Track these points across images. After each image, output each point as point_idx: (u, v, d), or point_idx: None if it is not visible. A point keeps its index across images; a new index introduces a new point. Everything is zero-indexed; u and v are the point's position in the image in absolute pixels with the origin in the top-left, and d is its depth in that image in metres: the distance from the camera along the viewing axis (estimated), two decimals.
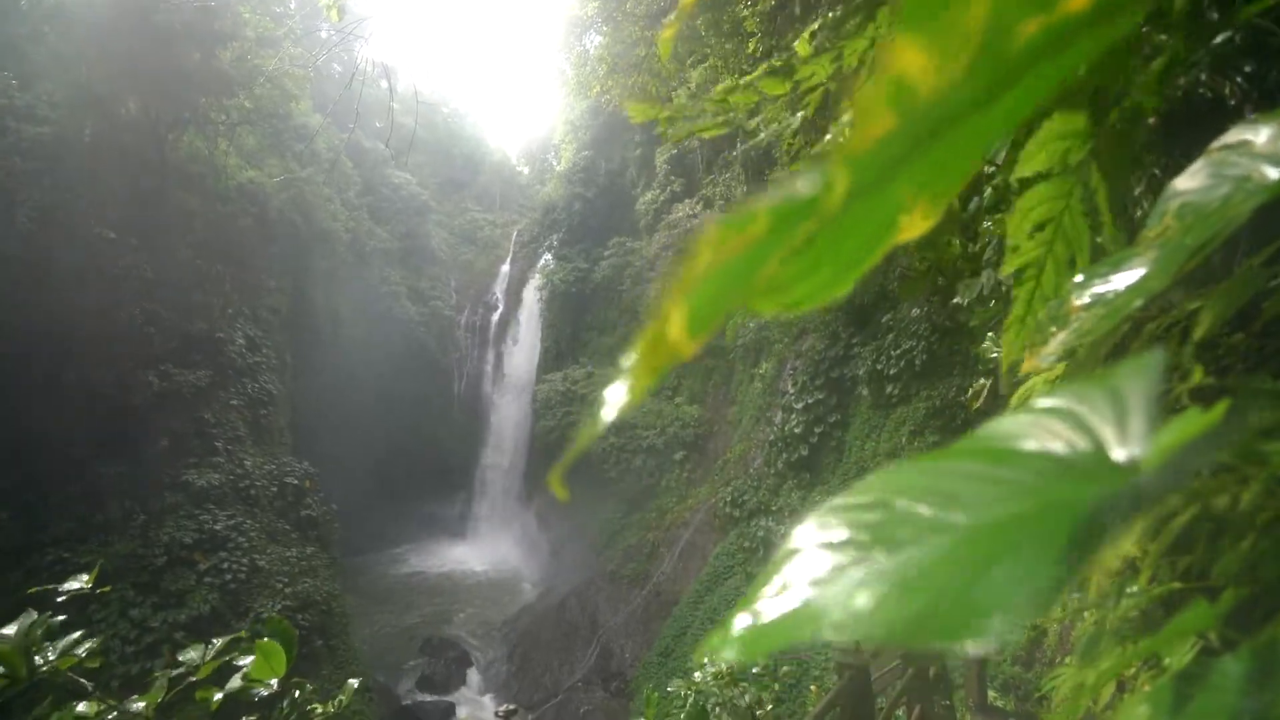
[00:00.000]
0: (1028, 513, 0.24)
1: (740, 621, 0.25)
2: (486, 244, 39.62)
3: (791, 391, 16.79)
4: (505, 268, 37.11)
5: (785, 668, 4.35)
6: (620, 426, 23.86)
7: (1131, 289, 0.43)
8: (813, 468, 15.92)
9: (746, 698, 3.93)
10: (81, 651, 1.63)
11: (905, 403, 13.17)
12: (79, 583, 1.89)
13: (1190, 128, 0.91)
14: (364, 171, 33.70)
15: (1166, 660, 0.70)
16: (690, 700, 4.20)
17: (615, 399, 0.25)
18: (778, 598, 0.25)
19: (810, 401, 15.99)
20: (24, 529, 13.07)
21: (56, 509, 13.67)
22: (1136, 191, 0.98)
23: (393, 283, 31.69)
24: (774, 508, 16.04)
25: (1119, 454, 0.27)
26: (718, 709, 4.11)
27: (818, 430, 15.75)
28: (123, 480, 14.57)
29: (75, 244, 14.67)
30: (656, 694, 4.38)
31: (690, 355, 0.24)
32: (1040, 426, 0.29)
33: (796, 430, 15.96)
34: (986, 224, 1.50)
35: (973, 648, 0.20)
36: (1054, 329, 0.50)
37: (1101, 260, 0.48)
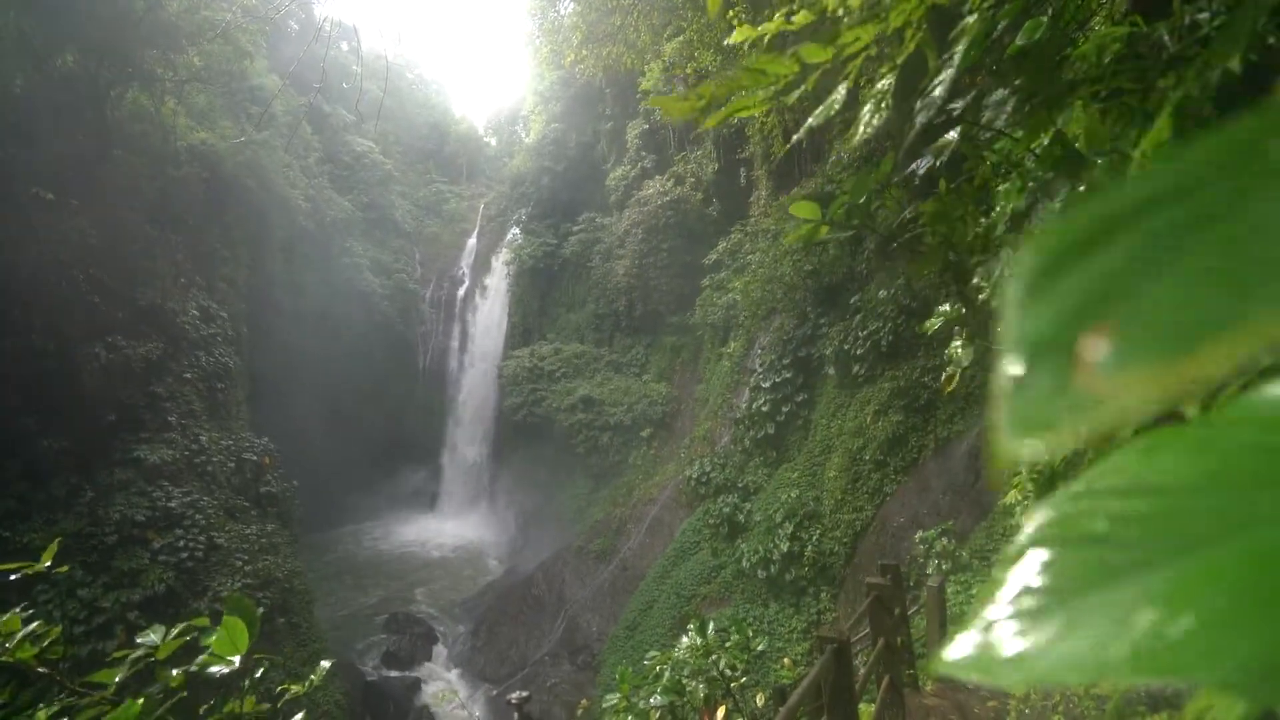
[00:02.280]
0: None
1: (967, 643, 0.20)
2: (452, 216, 38.69)
3: (759, 370, 16.97)
4: (472, 241, 36.37)
5: (760, 644, 4.42)
6: (588, 403, 23.85)
7: None
8: (779, 445, 16.19)
9: (722, 664, 3.99)
10: (44, 642, 1.55)
11: (871, 382, 13.44)
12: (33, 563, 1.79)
13: (1242, 92, 0.87)
14: (324, 138, 32.43)
15: None
16: (666, 673, 4.25)
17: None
18: (1018, 614, 0.20)
19: (778, 380, 16.20)
20: None
21: None
22: None
23: (355, 254, 30.77)
24: (740, 484, 16.29)
25: None
26: (693, 682, 4.17)
27: (784, 409, 15.99)
28: (67, 456, 13.90)
29: (7, 204, 13.74)
30: (630, 670, 4.42)
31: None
32: None
33: (764, 408, 16.17)
34: (1000, 201, 1.48)
35: None
36: None
37: None
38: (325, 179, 30.87)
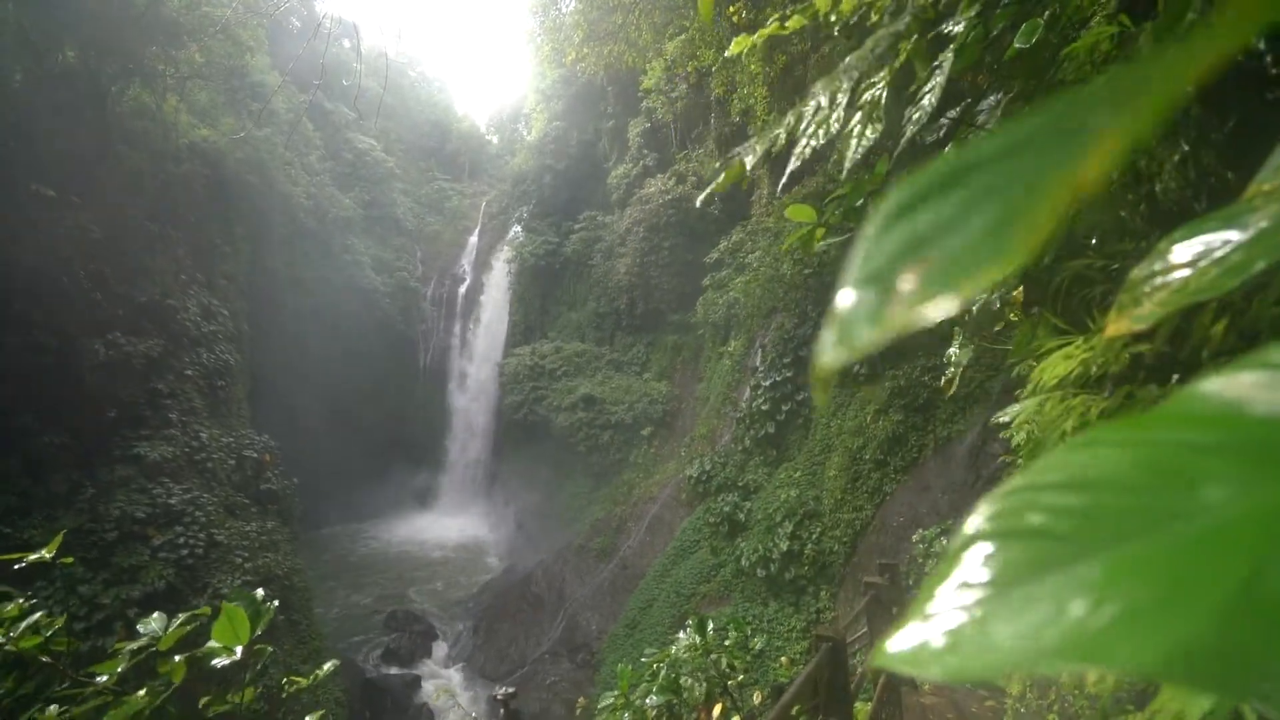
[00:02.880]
0: None
1: (911, 635, 0.20)
2: (454, 214, 38.67)
3: (760, 369, 16.96)
4: (473, 239, 36.35)
5: (757, 641, 4.43)
6: (589, 401, 23.84)
7: (1253, 245, 0.40)
8: (779, 444, 16.18)
9: (723, 663, 3.99)
10: (48, 632, 1.56)
11: (871, 381, 13.42)
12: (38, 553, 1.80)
13: (1227, 99, 0.88)
14: (326, 135, 32.41)
15: None
16: (663, 672, 4.25)
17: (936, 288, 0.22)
18: (957, 607, 0.20)
19: (778, 379, 16.19)
20: None
21: None
22: (1166, 166, 0.97)
23: (356, 252, 30.76)
24: (740, 483, 16.29)
25: None
26: (689, 679, 4.18)
27: (785, 407, 15.98)
28: (68, 452, 13.93)
29: (8, 200, 13.74)
30: (629, 668, 4.42)
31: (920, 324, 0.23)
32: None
33: (764, 407, 16.16)
34: None
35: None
36: (1148, 289, 0.47)
37: (1208, 215, 0.45)
38: (327, 176, 30.85)
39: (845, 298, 0.25)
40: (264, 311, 23.20)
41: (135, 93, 17.82)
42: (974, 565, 0.21)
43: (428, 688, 17.51)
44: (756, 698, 4.88)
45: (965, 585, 0.21)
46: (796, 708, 3.95)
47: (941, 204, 0.24)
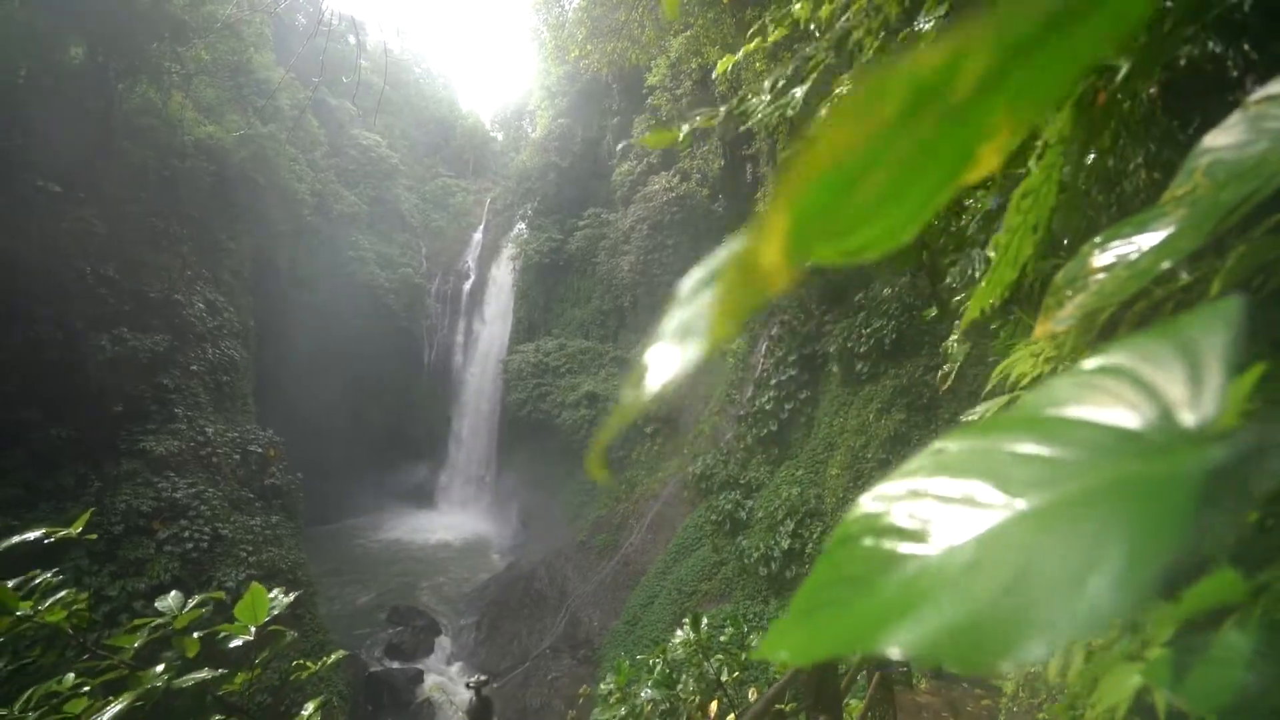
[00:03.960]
0: (1085, 496, 0.20)
1: (774, 631, 0.22)
2: (458, 211, 38.72)
3: (764, 367, 16.95)
4: (478, 236, 36.40)
5: (754, 638, 4.44)
6: (592, 399, 23.88)
7: (1159, 248, 0.41)
8: (782, 443, 16.18)
9: (717, 666, 4.01)
10: (74, 605, 1.67)
11: (874, 380, 13.40)
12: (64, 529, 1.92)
13: (1191, 100, 0.89)
14: (330, 131, 32.48)
15: (1149, 631, 0.71)
16: (658, 669, 4.27)
17: (688, 347, 0.22)
18: (817, 601, 0.22)
19: (782, 378, 16.18)
20: None
21: (0, 474, 13.13)
22: (1132, 166, 0.98)
23: (361, 248, 30.85)
24: (742, 481, 16.29)
25: (1188, 418, 0.22)
26: (685, 677, 4.19)
27: (788, 406, 15.97)
28: (74, 446, 14.05)
29: (14, 195, 13.84)
30: (626, 662, 4.44)
31: (781, 287, 0.20)
32: (1093, 389, 0.25)
33: (767, 405, 16.16)
34: (970, 201, 1.49)
35: (1029, 656, 0.16)
36: (1069, 292, 0.48)
37: (1124, 220, 0.46)
38: (332, 173, 30.92)
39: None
40: (269, 307, 23.31)
41: (142, 89, 17.91)
42: (840, 561, 0.23)
43: (429, 682, 17.61)
44: (752, 695, 4.90)
45: (830, 580, 0.23)
46: (790, 705, 3.97)
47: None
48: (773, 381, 16.31)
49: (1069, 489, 0.21)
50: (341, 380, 28.21)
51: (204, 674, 1.66)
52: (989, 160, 0.20)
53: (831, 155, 0.18)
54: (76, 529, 1.88)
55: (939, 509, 0.23)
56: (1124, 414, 0.24)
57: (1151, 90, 0.87)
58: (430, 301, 34.21)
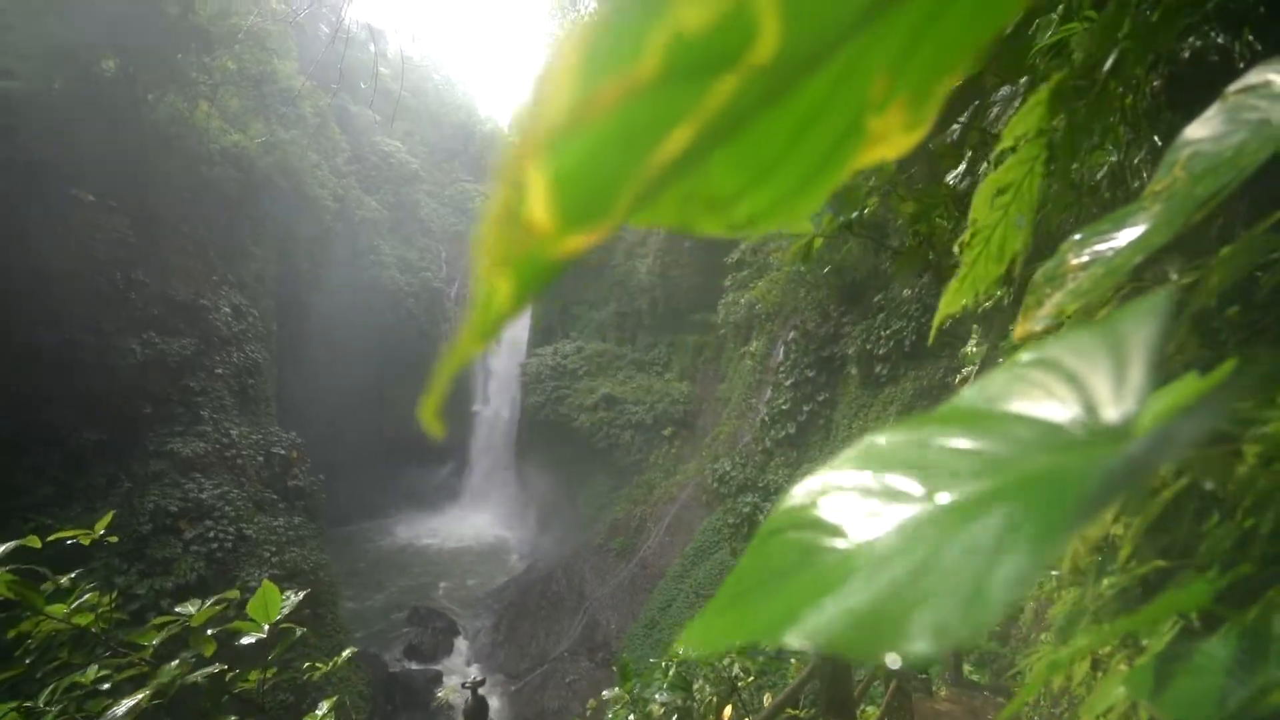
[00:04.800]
0: (1000, 489, 0.20)
1: (695, 624, 0.22)
2: (478, 215, 39.03)
3: (782, 369, 16.84)
4: None
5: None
6: (610, 401, 23.92)
7: (1133, 245, 0.40)
8: (800, 445, 16.05)
9: (735, 668, 3.99)
10: (99, 609, 1.79)
11: (893, 383, 13.25)
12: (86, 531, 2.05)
13: (1196, 93, 0.87)
14: (352, 138, 32.97)
15: (1145, 640, 0.69)
16: (673, 671, 4.25)
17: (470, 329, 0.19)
18: (740, 592, 0.22)
19: (799, 379, 16.07)
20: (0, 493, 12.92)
21: (34, 474, 13.51)
22: (1136, 160, 0.95)
23: (381, 253, 31.26)
24: (761, 484, 16.19)
25: (1111, 414, 0.23)
26: (701, 679, 4.17)
27: (806, 408, 15.85)
28: (105, 447, 14.42)
29: (49, 204, 14.27)
30: (630, 663, 4.43)
31: (566, 253, 0.17)
32: (1025, 383, 0.25)
33: (785, 408, 16.05)
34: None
35: (920, 647, 0.16)
36: (1049, 290, 0.47)
37: (1105, 217, 0.45)
38: (353, 178, 31.39)
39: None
40: (291, 311, 23.72)
41: (170, 100, 18.36)
42: (765, 554, 0.23)
43: (447, 683, 17.75)
44: (768, 700, 4.85)
45: (754, 572, 0.23)
46: (804, 712, 3.93)
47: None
48: (790, 383, 16.20)
49: (988, 483, 0.21)
50: (361, 383, 28.59)
51: (215, 669, 1.69)
52: (893, 135, 0.18)
53: (586, 108, 0.15)
54: (102, 527, 2.00)
55: (862, 502, 0.23)
56: (1053, 408, 0.24)
57: (1155, 84, 0.85)
58: (450, 305, 34.53)
